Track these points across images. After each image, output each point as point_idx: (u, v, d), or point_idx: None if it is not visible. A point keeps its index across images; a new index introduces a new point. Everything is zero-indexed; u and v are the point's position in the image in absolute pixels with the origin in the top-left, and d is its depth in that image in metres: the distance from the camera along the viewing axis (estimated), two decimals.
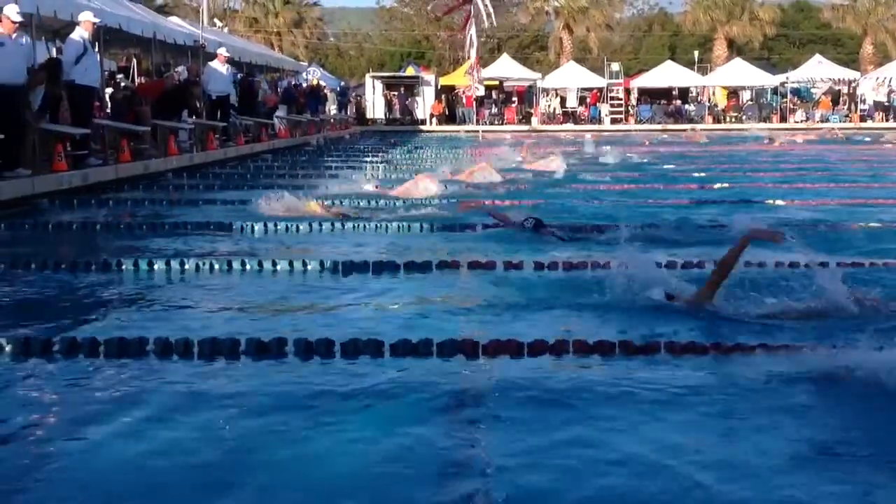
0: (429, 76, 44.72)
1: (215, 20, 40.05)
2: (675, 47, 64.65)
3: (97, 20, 14.54)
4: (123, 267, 7.02)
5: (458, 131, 38.49)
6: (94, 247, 8.60)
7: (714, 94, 45.23)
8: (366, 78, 45.17)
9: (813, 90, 45.31)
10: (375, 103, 43.07)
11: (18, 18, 11.29)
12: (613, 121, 42.71)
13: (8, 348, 4.68)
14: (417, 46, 63.28)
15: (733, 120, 42.70)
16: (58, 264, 7.04)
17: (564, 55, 51.39)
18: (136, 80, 21.98)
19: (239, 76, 23.90)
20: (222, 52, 21.23)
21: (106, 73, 18.80)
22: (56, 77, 13.14)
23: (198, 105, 19.51)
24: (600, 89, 44.04)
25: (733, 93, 45.44)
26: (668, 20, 68.58)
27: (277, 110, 27.30)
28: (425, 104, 42.89)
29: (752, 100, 45.17)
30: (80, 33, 13.89)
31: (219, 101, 20.70)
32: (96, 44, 15.57)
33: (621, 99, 44.02)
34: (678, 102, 44.68)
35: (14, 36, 11.27)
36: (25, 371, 4.53)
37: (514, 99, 44.91)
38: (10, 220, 9.64)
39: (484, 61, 44.58)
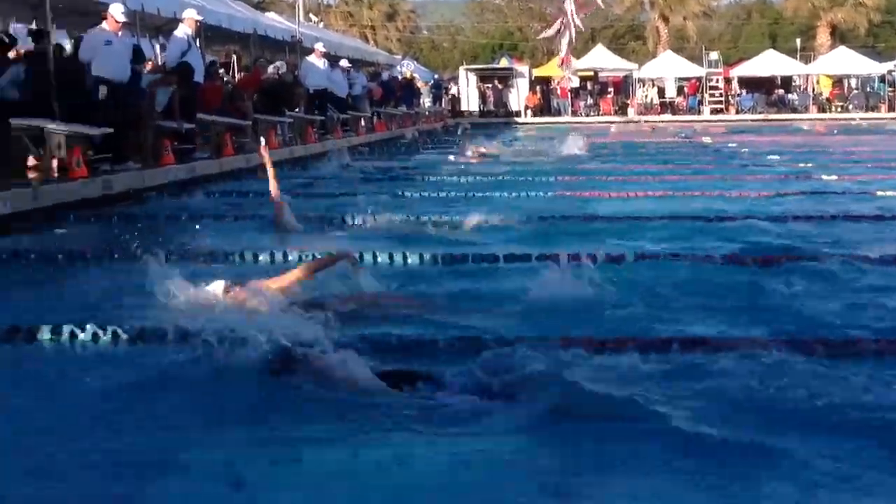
0: (522, 67, 44.44)
1: (311, 15, 40.57)
2: (775, 35, 62.82)
3: (200, 17, 14.85)
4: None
5: (553, 123, 38.20)
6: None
7: (818, 83, 43.82)
8: (459, 70, 45.18)
9: None
10: (469, 96, 43.02)
11: (123, 18, 11.60)
12: (713, 111, 41.76)
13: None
14: (510, 38, 63.01)
15: (839, 109, 41.32)
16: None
17: (661, 44, 50.49)
18: (236, 76, 22.39)
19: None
20: (319, 46, 21.46)
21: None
22: (188, 81, 13.49)
23: (300, 105, 19.80)
24: (699, 79, 43.12)
25: (838, 82, 43.95)
26: (767, 7, 66.74)
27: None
28: (519, 96, 42.66)
29: (857, 88, 43.62)
30: (184, 30, 14.19)
31: (316, 95, 20.94)
32: (198, 40, 15.91)
33: (721, 89, 43.02)
34: (780, 92, 43.43)
35: (120, 34, 11.59)
36: None
37: (611, 90, 44.33)
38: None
39: (578, 52, 44.06)
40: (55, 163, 10.35)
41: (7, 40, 12.50)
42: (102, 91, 11.22)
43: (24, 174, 10.25)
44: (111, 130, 11.18)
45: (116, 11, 11.53)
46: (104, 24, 11.56)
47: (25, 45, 12.73)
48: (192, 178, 12.84)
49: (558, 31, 41.05)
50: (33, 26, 13.53)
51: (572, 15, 40.44)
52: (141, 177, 11.48)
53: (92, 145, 11.38)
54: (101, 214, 9.69)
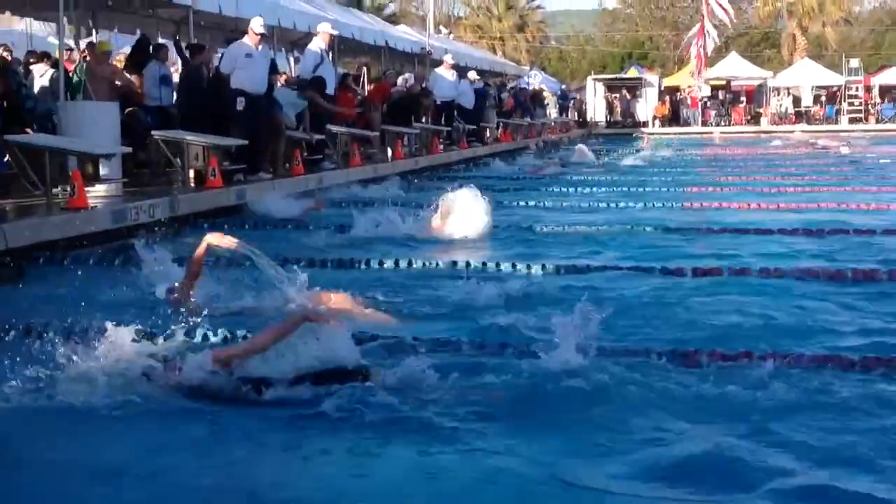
0: (652, 77, 43.81)
1: (441, 27, 41.04)
2: None
3: (335, 31, 15.27)
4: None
5: (685, 133, 37.48)
6: None
7: None
8: (587, 80, 44.85)
9: None
10: (596, 106, 42.65)
11: (262, 30, 12.04)
12: (852, 120, 40.15)
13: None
14: (640, 47, 62.12)
15: None
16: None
17: (798, 52, 48.88)
18: (366, 88, 22.87)
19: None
20: (448, 58, 21.71)
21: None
22: (321, 93, 13.97)
23: (427, 116, 20.07)
24: (838, 87, 41.52)
25: None
26: None
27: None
28: (648, 106, 42.03)
29: None
30: (318, 44, 14.62)
31: (444, 106, 21.18)
32: (330, 53, 16.34)
33: (861, 97, 41.31)
34: None
35: (260, 48, 12.04)
36: None
37: (743, 98, 43.18)
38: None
39: (711, 60, 43.08)
40: (192, 173, 10.81)
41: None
42: (241, 103, 11.65)
43: (164, 183, 10.78)
44: (247, 142, 11.60)
45: (256, 24, 11.98)
46: (245, 39, 12.02)
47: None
48: (321, 188, 13.17)
49: (694, 37, 40.31)
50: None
51: (707, 21, 39.63)
52: (272, 186, 11.86)
53: (227, 155, 11.84)
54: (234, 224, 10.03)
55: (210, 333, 5.04)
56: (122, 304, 5.64)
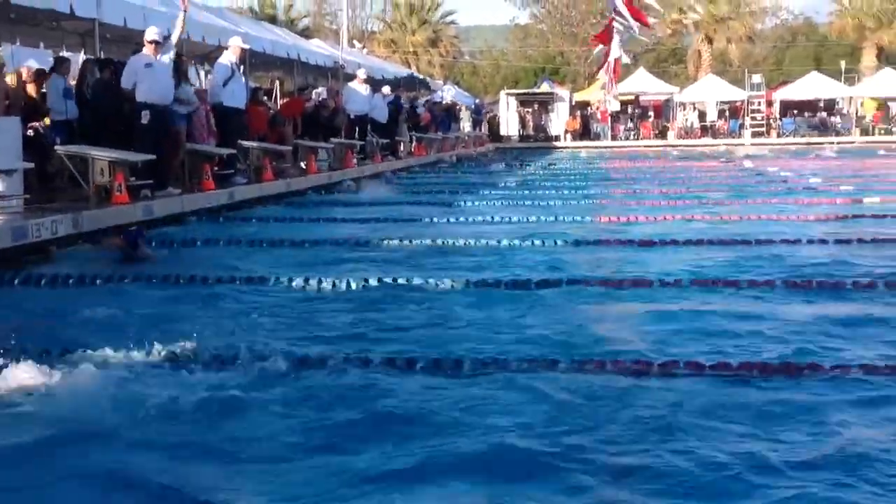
0: (563, 92, 44.52)
1: (354, 42, 41.02)
2: (820, 57, 62.22)
3: (246, 45, 15.12)
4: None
5: (593, 147, 38.24)
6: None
7: (862, 105, 43.32)
8: (500, 95, 45.35)
9: None
10: (509, 120, 43.13)
11: (157, 38, 11.69)
12: (754, 134, 41.45)
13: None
14: (552, 62, 63.07)
15: (883, 132, 40.79)
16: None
17: (703, 68, 50.29)
18: (279, 102, 22.72)
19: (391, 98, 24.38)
20: (361, 73, 21.73)
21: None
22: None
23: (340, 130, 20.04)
24: (741, 102, 42.85)
25: (883, 104, 43.41)
26: (812, 30, 66.20)
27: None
28: (559, 120, 42.69)
29: None
30: (229, 57, 14.46)
31: (357, 120, 21.17)
32: (242, 67, 16.19)
33: (763, 112, 42.69)
34: (823, 114, 43.00)
35: (159, 56, 11.77)
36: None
37: (651, 113, 44.21)
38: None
39: (619, 76, 43.96)
40: (95, 189, 10.56)
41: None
42: (145, 116, 11.43)
43: (67, 199, 10.50)
44: (154, 157, 11.39)
45: (150, 33, 11.68)
46: (144, 50, 11.77)
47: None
48: (232, 203, 13.02)
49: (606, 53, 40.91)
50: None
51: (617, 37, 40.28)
52: (181, 201, 11.67)
53: (134, 170, 11.60)
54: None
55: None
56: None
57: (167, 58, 11.83)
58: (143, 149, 11.25)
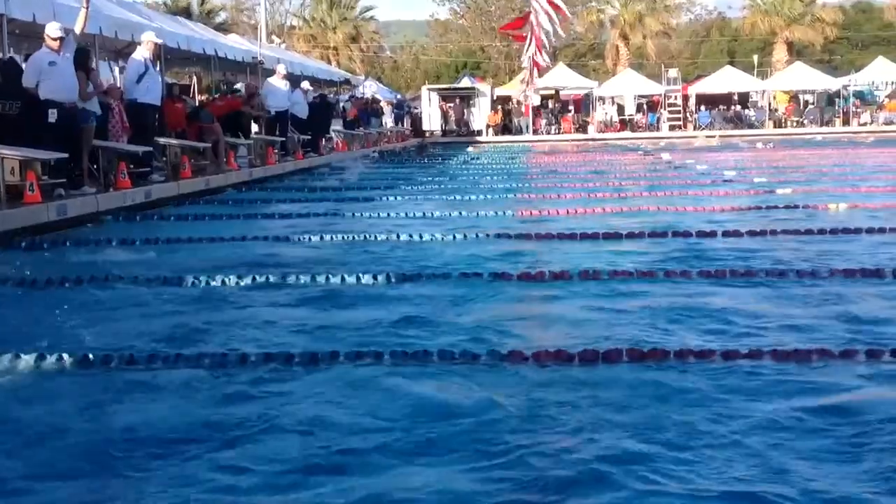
0: (484, 87, 44.74)
1: (273, 37, 40.60)
2: (734, 52, 63.85)
3: (159, 40, 14.85)
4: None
5: (515, 141, 38.57)
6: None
7: (775, 98, 44.54)
8: (422, 90, 45.39)
9: (877, 92, 44.37)
10: (431, 115, 43.18)
11: (60, 34, 11.32)
12: (671, 128, 42.28)
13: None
14: (473, 57, 63.39)
15: (795, 124, 41.98)
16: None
17: (621, 63, 51.07)
18: (197, 98, 22.36)
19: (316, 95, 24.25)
20: (280, 68, 21.52)
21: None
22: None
23: (252, 125, 19.79)
24: (658, 96, 43.65)
25: (795, 97, 44.70)
26: (726, 25, 67.81)
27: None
28: (481, 115, 42.91)
29: (814, 104, 44.37)
30: (142, 53, 14.19)
31: (277, 117, 20.97)
32: (157, 63, 15.89)
33: (679, 105, 43.56)
34: (738, 108, 44.09)
35: (62, 53, 11.43)
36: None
37: (571, 108, 44.73)
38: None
39: (540, 70, 44.39)
40: (6, 188, 10.26)
41: None
42: (53, 114, 11.12)
43: None
44: (66, 155, 11.12)
45: (52, 29, 11.30)
46: (44, 47, 11.42)
47: None
48: (150, 202, 12.78)
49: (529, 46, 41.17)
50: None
51: (539, 30, 40.56)
52: (96, 201, 11.42)
53: (47, 169, 11.30)
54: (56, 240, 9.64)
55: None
56: None
57: (70, 54, 11.51)
58: (53, 148, 10.96)
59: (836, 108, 42.70)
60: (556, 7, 37.37)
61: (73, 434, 3.89)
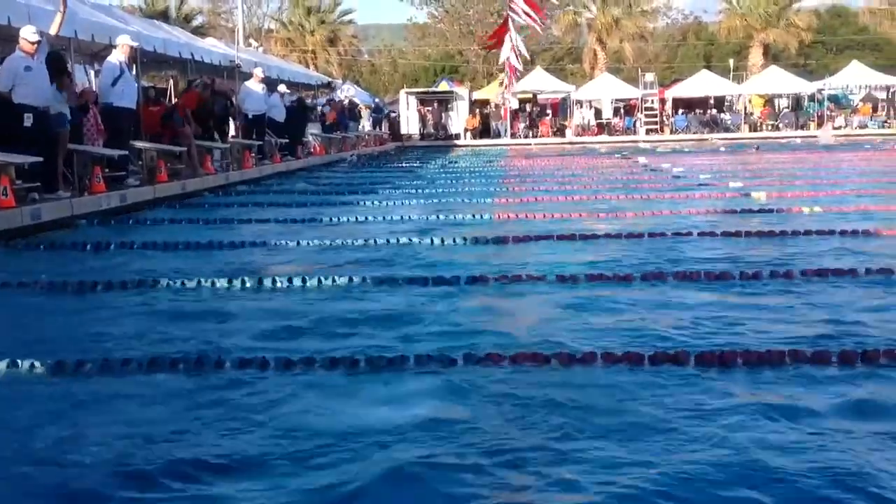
0: (462, 90, 44.83)
1: (251, 40, 40.46)
2: (710, 56, 64.31)
3: (134, 43, 14.77)
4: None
5: (493, 145, 38.65)
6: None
7: (750, 102, 44.87)
8: (400, 94, 45.40)
9: (851, 96, 44.81)
10: (409, 119, 43.21)
11: (36, 38, 11.22)
12: (648, 131, 42.51)
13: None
14: (451, 61, 63.49)
15: (770, 128, 42.31)
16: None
17: (598, 67, 51.29)
18: (174, 101, 22.25)
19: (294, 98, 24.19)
20: (258, 71, 21.48)
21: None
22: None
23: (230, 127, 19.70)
24: (635, 100, 43.88)
25: (770, 101, 45.06)
26: (702, 29, 68.24)
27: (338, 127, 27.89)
28: (459, 118, 42.98)
29: (788, 107, 44.74)
30: (117, 56, 14.12)
31: (255, 120, 20.90)
32: (133, 66, 15.79)
33: (656, 109, 43.82)
34: (714, 111, 44.40)
35: (36, 57, 11.34)
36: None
37: (549, 111, 44.87)
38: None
39: (517, 75, 44.55)
40: None
41: None
42: (28, 119, 11.03)
43: None
44: (41, 159, 11.03)
45: (28, 33, 11.20)
46: (18, 51, 11.32)
47: None
48: (125, 206, 12.70)
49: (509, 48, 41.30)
50: None
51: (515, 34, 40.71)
52: (70, 205, 11.33)
53: (21, 173, 11.21)
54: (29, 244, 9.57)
55: None
56: None
57: (44, 57, 11.43)
58: (27, 152, 10.87)
59: (808, 112, 43.07)
60: (533, 6, 37.64)
61: (41, 440, 3.86)
